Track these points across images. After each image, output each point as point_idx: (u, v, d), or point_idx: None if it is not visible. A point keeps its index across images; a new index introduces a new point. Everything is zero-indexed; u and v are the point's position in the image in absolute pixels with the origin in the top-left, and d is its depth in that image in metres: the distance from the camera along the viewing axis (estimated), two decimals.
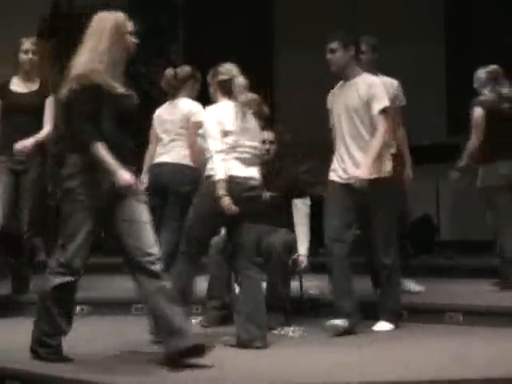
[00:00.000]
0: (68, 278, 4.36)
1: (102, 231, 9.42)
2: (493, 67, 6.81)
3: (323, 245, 5.56)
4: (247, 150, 5.14)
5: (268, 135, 6.16)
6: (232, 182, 4.98)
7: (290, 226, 5.96)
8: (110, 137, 4.26)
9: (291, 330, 5.49)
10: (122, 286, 6.15)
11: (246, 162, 5.12)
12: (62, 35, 9.91)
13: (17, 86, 6.47)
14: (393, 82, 6.25)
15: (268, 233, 5.85)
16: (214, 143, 5.04)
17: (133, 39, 4.47)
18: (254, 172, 5.15)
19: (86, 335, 5.40)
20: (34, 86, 6.49)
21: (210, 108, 5.23)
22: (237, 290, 6.13)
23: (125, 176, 4.21)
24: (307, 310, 6.13)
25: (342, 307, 5.37)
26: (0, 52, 8.89)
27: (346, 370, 4.27)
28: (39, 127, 6.32)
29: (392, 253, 5.48)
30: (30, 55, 6.44)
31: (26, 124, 6.28)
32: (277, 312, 5.63)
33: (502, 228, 6.59)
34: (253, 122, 5.24)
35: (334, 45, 5.47)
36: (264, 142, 6.11)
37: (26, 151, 6.16)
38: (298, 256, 5.87)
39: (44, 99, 6.39)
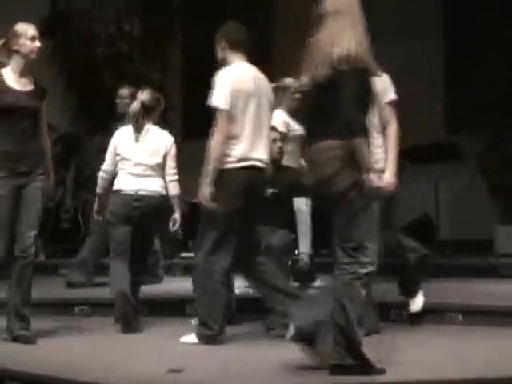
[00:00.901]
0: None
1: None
2: None
3: (326, 245, 5.56)
4: (141, 166, 5.90)
5: (275, 134, 6.21)
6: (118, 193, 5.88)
7: (291, 223, 5.99)
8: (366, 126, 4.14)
9: (290, 331, 5.48)
10: None
11: (139, 176, 5.88)
12: (61, 36, 9.93)
13: (14, 82, 5.32)
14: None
15: (267, 234, 5.85)
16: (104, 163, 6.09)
17: None
18: (145, 184, 5.87)
19: (86, 336, 5.40)
20: (30, 85, 5.37)
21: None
22: (237, 290, 6.15)
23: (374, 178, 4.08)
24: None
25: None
26: None
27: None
28: (36, 134, 5.34)
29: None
30: (38, 43, 5.38)
31: (25, 130, 5.27)
32: (276, 313, 5.63)
33: None
34: (150, 142, 5.92)
35: None
36: (275, 140, 6.17)
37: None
38: (299, 253, 5.92)
39: (41, 102, 5.41)
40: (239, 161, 5.17)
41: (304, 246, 5.97)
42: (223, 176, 5.13)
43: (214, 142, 5.13)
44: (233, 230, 5.19)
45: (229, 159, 5.16)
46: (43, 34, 9.92)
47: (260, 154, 5.25)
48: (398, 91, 5.67)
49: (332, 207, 4.13)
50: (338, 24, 4.16)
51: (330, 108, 4.08)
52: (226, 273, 5.25)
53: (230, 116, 5.16)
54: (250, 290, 6.09)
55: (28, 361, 4.59)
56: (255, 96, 5.26)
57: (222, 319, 5.17)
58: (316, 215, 6.17)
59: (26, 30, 5.34)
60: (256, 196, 5.28)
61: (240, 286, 6.45)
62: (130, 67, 10.31)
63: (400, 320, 5.73)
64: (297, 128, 6.55)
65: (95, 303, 6.48)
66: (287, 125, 6.56)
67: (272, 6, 11.48)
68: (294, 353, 4.80)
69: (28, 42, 5.32)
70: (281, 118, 6.53)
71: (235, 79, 5.22)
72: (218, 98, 5.17)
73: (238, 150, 5.17)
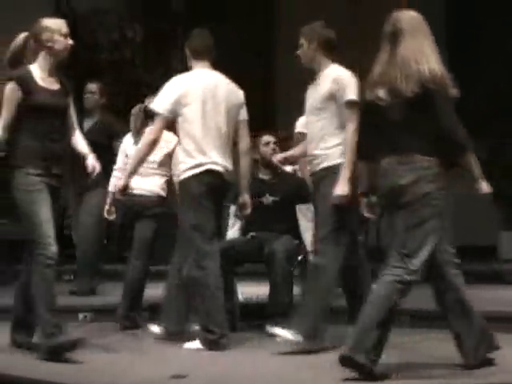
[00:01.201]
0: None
1: (104, 239, 9.48)
2: None
3: None
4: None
5: (269, 138, 6.24)
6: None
7: (293, 230, 5.99)
8: None
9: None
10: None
11: (140, 175, 5.84)
12: None
13: (41, 80, 4.99)
14: None
15: (270, 240, 5.86)
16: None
17: None
18: (143, 183, 6.03)
19: (89, 342, 5.39)
20: (56, 84, 5.07)
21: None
22: (240, 296, 6.14)
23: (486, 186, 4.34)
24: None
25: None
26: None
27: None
28: (64, 137, 5.12)
29: None
30: (71, 41, 5.07)
31: (55, 130, 5.00)
32: (279, 318, 5.62)
33: None
34: None
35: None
36: (268, 143, 6.20)
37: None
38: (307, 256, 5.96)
39: (67, 100, 5.16)
40: (195, 167, 5.24)
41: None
42: (184, 186, 5.27)
43: (142, 142, 5.38)
44: (209, 235, 5.24)
45: (184, 167, 5.28)
46: None
47: (215, 158, 5.28)
48: None
49: (396, 213, 4.26)
50: (419, 42, 4.29)
51: (418, 124, 4.21)
52: (220, 275, 5.28)
53: (166, 121, 5.33)
54: None
55: (29, 367, 4.58)
56: (208, 102, 5.31)
57: (222, 321, 5.17)
58: None
59: (60, 25, 5.05)
60: (219, 199, 5.36)
61: (243, 292, 6.44)
62: (133, 73, 10.33)
63: (403, 325, 5.72)
64: None
65: (98, 309, 6.47)
66: None
67: (274, 10, 11.50)
68: (296, 358, 4.80)
69: (62, 39, 5.01)
70: (302, 120, 6.54)
71: (183, 86, 5.34)
72: (159, 102, 5.34)
73: (190, 158, 5.26)
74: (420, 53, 4.25)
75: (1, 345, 5.11)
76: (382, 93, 4.28)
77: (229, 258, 5.82)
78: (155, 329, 5.60)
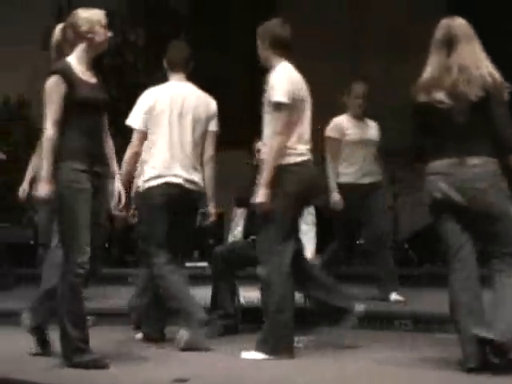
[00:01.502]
0: None
1: (106, 242, 9.47)
2: None
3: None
4: None
5: (260, 144, 6.26)
6: None
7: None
8: None
9: (295, 340, 5.46)
10: (126, 296, 6.16)
11: None
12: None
13: (82, 74, 4.71)
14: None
15: None
16: None
17: None
18: None
19: (91, 345, 5.39)
20: (93, 78, 4.79)
21: None
22: (241, 299, 6.14)
23: None
24: (311, 320, 6.12)
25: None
26: (2, 60, 8.83)
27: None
28: (104, 133, 4.84)
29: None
30: (110, 33, 4.88)
31: (97, 126, 4.77)
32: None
33: None
34: None
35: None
36: (259, 151, 6.21)
37: None
38: None
39: (105, 95, 4.86)
40: (155, 178, 5.33)
41: (310, 252, 5.98)
42: (142, 196, 5.41)
43: (125, 156, 5.46)
44: (160, 245, 5.32)
45: (144, 178, 5.38)
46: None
47: (175, 170, 5.34)
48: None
49: (479, 219, 4.34)
50: (474, 48, 4.42)
51: (481, 126, 4.33)
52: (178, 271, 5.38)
53: (144, 135, 5.41)
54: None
55: (32, 370, 4.58)
56: (174, 114, 5.39)
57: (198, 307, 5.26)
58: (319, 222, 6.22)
59: (100, 16, 4.80)
60: (181, 208, 5.37)
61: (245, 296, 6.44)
62: (135, 77, 10.33)
63: (405, 329, 5.72)
64: (352, 132, 6.56)
65: (100, 313, 6.47)
66: (340, 129, 6.53)
67: (276, 12, 11.48)
68: (298, 361, 4.81)
69: (102, 30, 4.78)
70: (333, 123, 6.56)
71: (153, 98, 5.43)
72: (132, 117, 5.46)
73: (151, 169, 5.36)
74: (478, 58, 4.37)
75: (3, 349, 5.13)
76: (441, 96, 4.34)
77: (230, 261, 5.84)
78: (138, 335, 5.67)
